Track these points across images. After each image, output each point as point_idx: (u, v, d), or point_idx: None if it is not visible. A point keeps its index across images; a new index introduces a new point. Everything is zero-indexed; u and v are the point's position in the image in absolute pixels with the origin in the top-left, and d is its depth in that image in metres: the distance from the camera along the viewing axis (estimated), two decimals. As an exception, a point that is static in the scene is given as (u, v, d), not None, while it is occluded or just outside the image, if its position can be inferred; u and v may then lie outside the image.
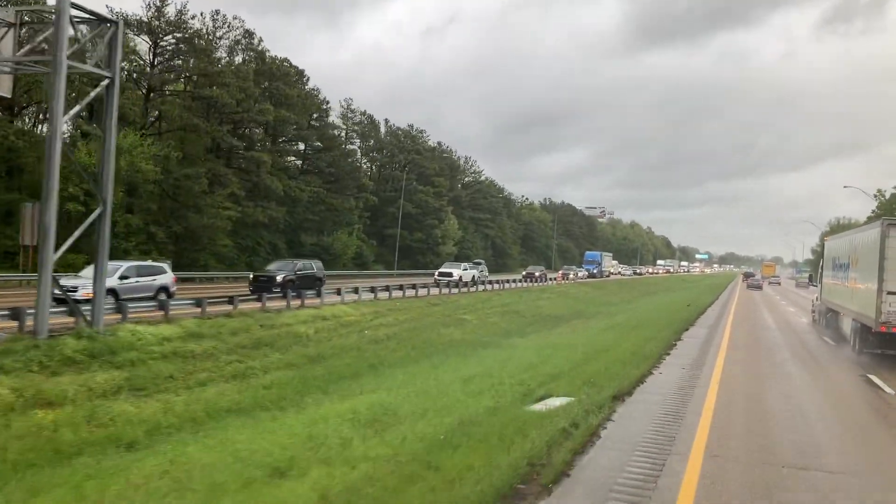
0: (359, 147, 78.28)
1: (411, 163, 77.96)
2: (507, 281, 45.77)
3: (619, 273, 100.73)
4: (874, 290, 15.87)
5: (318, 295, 24.95)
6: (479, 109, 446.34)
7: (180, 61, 46.27)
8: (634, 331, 20.01)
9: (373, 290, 28.93)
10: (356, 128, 77.17)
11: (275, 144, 59.43)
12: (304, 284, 24.01)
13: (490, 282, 43.64)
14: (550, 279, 54.76)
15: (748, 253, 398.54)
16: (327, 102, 61.64)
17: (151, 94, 45.09)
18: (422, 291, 33.39)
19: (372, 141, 77.95)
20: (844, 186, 64.58)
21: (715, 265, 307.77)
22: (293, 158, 62.76)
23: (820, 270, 27.49)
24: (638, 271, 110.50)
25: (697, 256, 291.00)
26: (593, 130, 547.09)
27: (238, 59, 52.41)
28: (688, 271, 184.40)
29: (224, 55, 51.37)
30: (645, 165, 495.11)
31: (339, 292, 26.29)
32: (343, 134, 75.87)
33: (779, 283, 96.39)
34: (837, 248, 23.06)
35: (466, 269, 42.51)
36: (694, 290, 70.35)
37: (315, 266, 25.65)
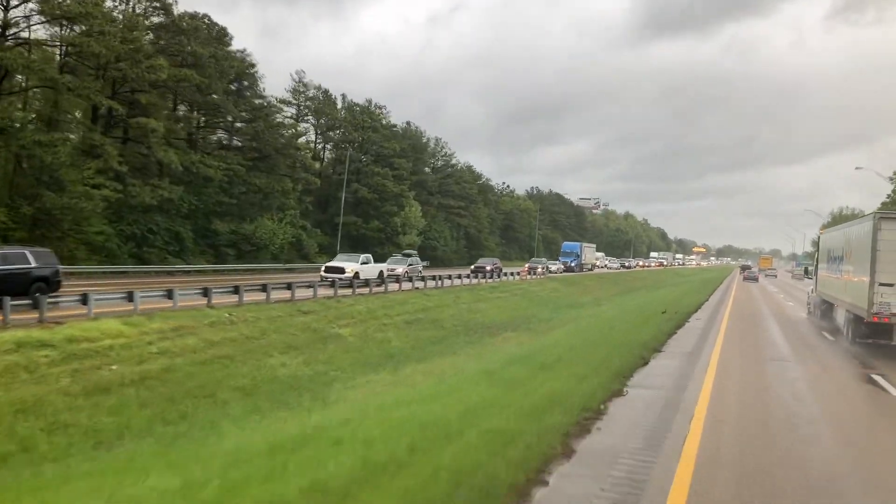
0: (313, 125, 69.40)
1: (367, 142, 68.83)
2: (451, 276, 36.93)
3: (605, 266, 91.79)
4: (866, 282, 16.05)
5: (85, 303, 16.05)
6: (482, 101, 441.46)
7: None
8: (546, 372, 11.19)
9: (205, 292, 20.03)
10: (309, 103, 68.26)
11: (193, 113, 50.52)
12: (8, 288, 14.95)
13: (425, 278, 34.73)
14: (512, 274, 45.98)
15: (746, 245, 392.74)
16: (253, 66, 52.37)
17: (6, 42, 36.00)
18: (305, 293, 24.61)
19: (324, 119, 68.99)
20: (856, 168, 56.47)
21: (712, 258, 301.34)
22: (222, 133, 53.67)
23: (815, 263, 27.69)
24: (626, 264, 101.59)
25: (695, 249, 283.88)
26: (596, 122, 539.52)
27: (133, 8, 43.36)
28: (683, 264, 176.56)
29: (116, 3, 42.40)
30: (646, 158, 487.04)
31: (130, 297, 17.39)
32: (295, 110, 67.28)
33: (775, 276, 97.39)
34: (832, 240, 23.15)
35: (367, 263, 33.18)
36: (683, 286, 61.73)
37: (36, 259, 16.46)
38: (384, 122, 71.20)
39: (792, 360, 15.48)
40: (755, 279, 76.87)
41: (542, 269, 51.22)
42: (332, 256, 65.10)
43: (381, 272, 32.70)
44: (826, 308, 23.66)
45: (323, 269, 31.27)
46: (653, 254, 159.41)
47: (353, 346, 18.77)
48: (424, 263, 45.48)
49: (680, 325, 20.87)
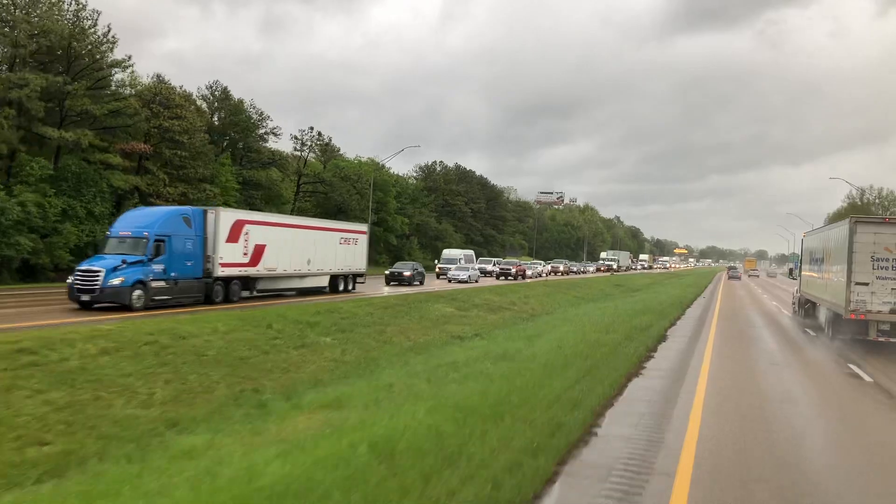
0: None
1: None
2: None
3: (460, 278, 46.23)
4: (844, 281, 17.68)
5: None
6: (488, 99, 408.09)
7: None
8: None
9: None
10: None
11: None
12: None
13: None
14: None
15: (732, 247, 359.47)
16: None
17: None
18: None
19: None
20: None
21: (691, 260, 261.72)
22: None
23: (798, 264, 30.04)
24: (511, 271, 54.50)
25: (676, 251, 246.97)
26: (603, 121, 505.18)
27: None
28: (648, 267, 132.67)
29: None
30: (650, 158, 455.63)
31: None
32: None
33: (758, 276, 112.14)
34: (813, 243, 24.95)
35: None
36: (544, 337, 16.28)
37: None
38: None
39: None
40: (738, 277, 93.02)
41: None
42: None
43: None
44: (809, 307, 25.42)
45: None
46: (602, 254, 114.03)
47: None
48: None
49: None
